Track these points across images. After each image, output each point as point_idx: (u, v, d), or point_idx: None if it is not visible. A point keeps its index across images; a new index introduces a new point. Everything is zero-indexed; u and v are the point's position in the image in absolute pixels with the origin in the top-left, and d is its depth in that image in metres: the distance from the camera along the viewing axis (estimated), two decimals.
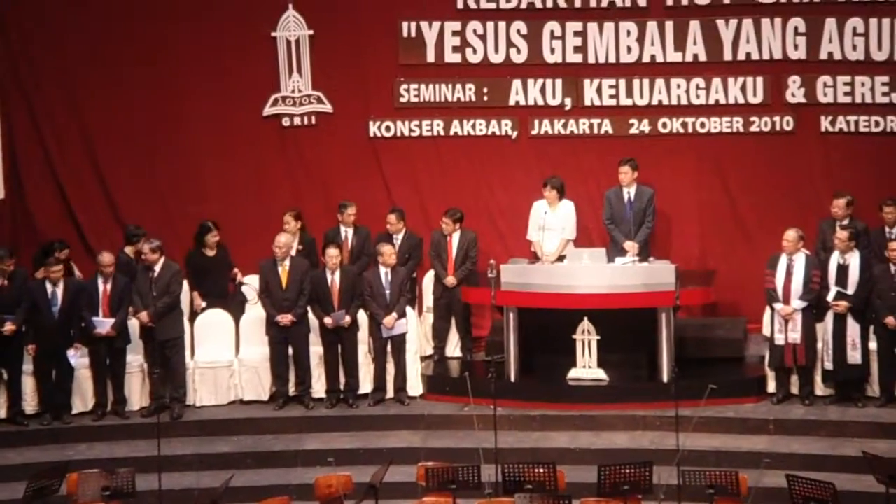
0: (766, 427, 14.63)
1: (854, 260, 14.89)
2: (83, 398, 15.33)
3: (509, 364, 15.34)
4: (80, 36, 17.13)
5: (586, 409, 15.01)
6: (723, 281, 16.11)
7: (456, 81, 17.06)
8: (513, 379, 15.34)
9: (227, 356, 15.72)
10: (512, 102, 17.01)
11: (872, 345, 14.87)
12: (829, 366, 14.92)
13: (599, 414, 14.94)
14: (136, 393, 15.51)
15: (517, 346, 15.37)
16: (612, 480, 12.30)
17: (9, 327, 14.87)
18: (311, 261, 15.93)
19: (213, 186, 17.25)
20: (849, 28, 16.31)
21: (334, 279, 15.46)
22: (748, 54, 16.55)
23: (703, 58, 16.65)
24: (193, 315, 15.93)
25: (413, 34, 17.03)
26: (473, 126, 17.11)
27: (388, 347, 15.51)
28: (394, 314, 15.40)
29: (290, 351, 15.46)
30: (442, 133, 17.16)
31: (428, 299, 16.53)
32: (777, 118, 16.60)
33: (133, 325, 15.37)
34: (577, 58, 16.85)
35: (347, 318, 15.39)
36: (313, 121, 17.30)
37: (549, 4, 16.78)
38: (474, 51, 17.00)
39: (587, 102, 16.90)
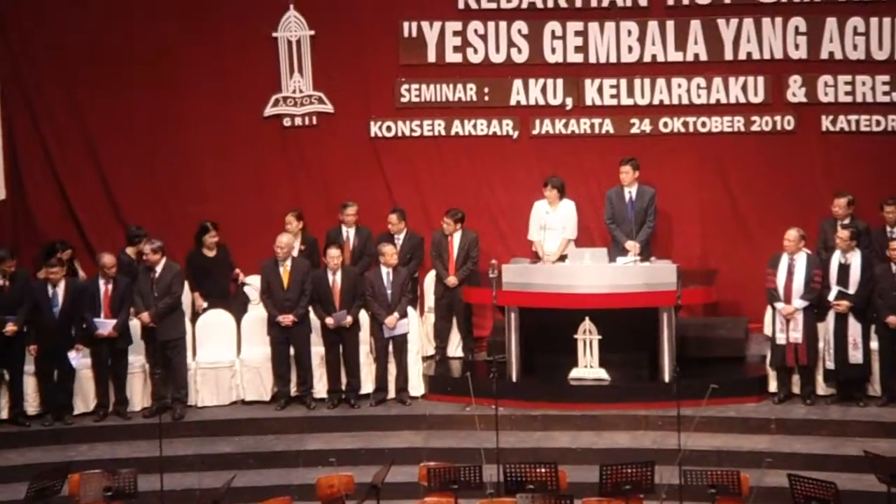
0: (767, 427, 14.63)
1: (855, 259, 14.89)
2: (85, 399, 15.32)
3: (511, 364, 15.33)
4: (80, 36, 17.11)
5: (588, 409, 15.01)
6: (724, 280, 16.10)
7: (457, 81, 17.05)
8: (514, 379, 15.33)
9: (228, 356, 15.71)
10: (513, 102, 17.00)
11: (874, 344, 14.87)
12: (830, 365, 14.92)
13: (601, 414, 14.94)
14: (138, 393, 15.51)
15: (519, 346, 15.36)
16: (614, 480, 12.28)
17: (10, 328, 14.85)
18: (313, 261, 15.92)
19: (213, 187, 17.24)
20: (849, 27, 16.31)
21: (336, 279, 15.46)
22: (749, 54, 16.54)
23: (703, 57, 16.64)
24: (195, 315, 15.94)
25: (414, 34, 17.02)
26: (474, 126, 17.10)
27: (390, 347, 15.51)
28: (395, 314, 15.40)
29: (292, 351, 15.46)
30: (443, 133, 17.14)
31: (429, 299, 16.53)
32: (778, 118, 16.59)
33: (134, 325, 15.36)
34: (578, 57, 16.84)
35: (349, 319, 15.38)
36: (314, 121, 17.29)
37: (550, 4, 16.77)
38: (475, 51, 16.99)
39: (588, 102, 16.89)
